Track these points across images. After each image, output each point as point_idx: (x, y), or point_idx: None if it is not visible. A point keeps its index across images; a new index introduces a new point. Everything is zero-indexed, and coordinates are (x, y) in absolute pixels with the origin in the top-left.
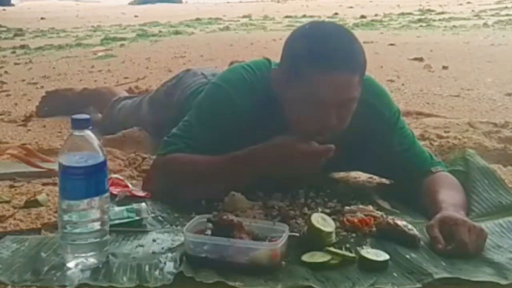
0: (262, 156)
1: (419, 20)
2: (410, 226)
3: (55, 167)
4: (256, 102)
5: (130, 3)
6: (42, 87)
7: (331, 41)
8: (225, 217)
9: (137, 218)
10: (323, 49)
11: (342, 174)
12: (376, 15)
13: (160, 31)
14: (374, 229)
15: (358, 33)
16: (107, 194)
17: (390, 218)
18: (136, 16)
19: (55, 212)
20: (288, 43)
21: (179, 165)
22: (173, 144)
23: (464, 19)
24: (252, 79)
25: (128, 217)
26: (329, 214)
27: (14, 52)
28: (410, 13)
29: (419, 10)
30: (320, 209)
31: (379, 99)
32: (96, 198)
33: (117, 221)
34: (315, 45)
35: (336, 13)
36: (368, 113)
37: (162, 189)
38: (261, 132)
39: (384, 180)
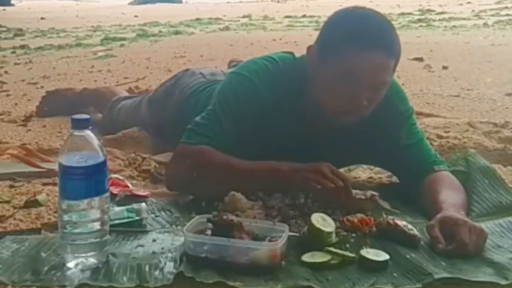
0: (301, 171)
1: (419, 20)
2: (410, 226)
3: (55, 167)
4: (280, 93)
5: (130, 3)
6: (42, 87)
7: (374, 23)
8: (225, 217)
9: (137, 218)
10: (366, 29)
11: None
12: None
13: (160, 31)
14: (374, 229)
15: None
16: (107, 194)
17: (390, 218)
18: (136, 16)
19: (55, 212)
20: (330, 22)
21: (212, 160)
22: (200, 134)
23: (464, 19)
24: (275, 70)
25: (128, 217)
26: (329, 214)
27: (14, 52)
28: (410, 13)
29: (419, 10)
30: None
31: (396, 95)
32: (96, 198)
33: (117, 221)
34: (358, 25)
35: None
36: (384, 105)
37: (188, 180)
38: (283, 122)
39: (384, 180)
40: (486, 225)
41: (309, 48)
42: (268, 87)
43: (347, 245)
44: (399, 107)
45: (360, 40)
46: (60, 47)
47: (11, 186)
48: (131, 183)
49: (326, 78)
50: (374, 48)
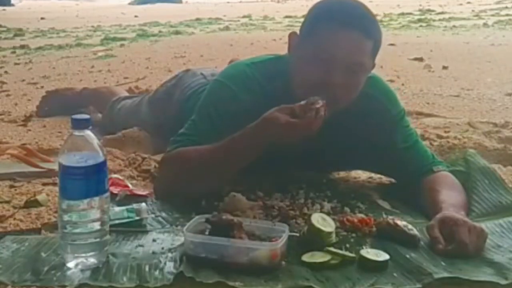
0: (258, 128)
1: (419, 20)
2: (410, 226)
3: (55, 167)
4: (260, 96)
5: (130, 3)
6: (42, 87)
7: (352, 6)
8: (224, 217)
9: (137, 218)
10: (343, 9)
11: (342, 174)
12: (376, 15)
13: (160, 31)
14: (374, 229)
15: None
16: (107, 194)
17: (390, 218)
18: (136, 16)
19: (55, 212)
20: (311, 9)
21: (185, 157)
22: (179, 142)
23: (464, 19)
24: (254, 73)
25: (128, 217)
26: (328, 214)
27: (14, 52)
28: (410, 13)
29: (419, 10)
30: (323, 205)
31: (386, 96)
32: (96, 198)
33: (117, 221)
34: (333, 7)
35: None
36: (374, 108)
37: (174, 185)
38: None
39: (384, 180)
40: (486, 225)
41: (291, 34)
42: (245, 91)
43: (347, 245)
44: (390, 109)
45: (336, 18)
46: (60, 47)
47: (11, 186)
48: (131, 183)
49: (302, 58)
50: (349, 25)
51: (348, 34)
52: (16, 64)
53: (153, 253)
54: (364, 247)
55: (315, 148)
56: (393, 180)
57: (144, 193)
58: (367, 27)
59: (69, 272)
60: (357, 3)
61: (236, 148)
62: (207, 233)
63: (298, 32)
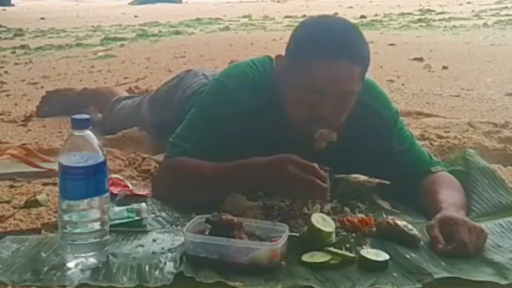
0: (266, 167)
1: (419, 20)
2: (410, 226)
3: (55, 167)
4: (259, 98)
5: (130, 3)
6: (42, 87)
7: (336, 31)
8: (224, 217)
9: (137, 218)
10: (327, 37)
11: (342, 174)
12: (376, 15)
13: (160, 31)
14: (374, 229)
15: None
16: (107, 194)
17: (390, 218)
18: (136, 16)
19: (55, 212)
20: (295, 31)
21: (185, 171)
22: (179, 145)
23: (464, 19)
24: (255, 74)
25: (128, 217)
26: (328, 214)
27: (14, 52)
28: (410, 13)
29: (419, 10)
30: (323, 205)
31: (378, 101)
32: (96, 198)
33: (117, 221)
34: (320, 33)
35: (336, 13)
36: (367, 114)
37: (170, 192)
38: (265, 128)
39: (384, 180)
40: (486, 225)
41: (277, 57)
42: (244, 92)
43: (347, 245)
44: (383, 113)
45: (323, 49)
46: (60, 47)
47: (11, 186)
48: (131, 183)
49: (291, 87)
50: (337, 56)
51: (335, 65)
52: (16, 64)
53: (153, 253)
54: (364, 247)
55: (312, 156)
56: (393, 181)
57: (144, 193)
58: (354, 55)
59: (69, 272)
60: (342, 24)
61: (240, 176)
62: (207, 233)
63: (284, 54)
